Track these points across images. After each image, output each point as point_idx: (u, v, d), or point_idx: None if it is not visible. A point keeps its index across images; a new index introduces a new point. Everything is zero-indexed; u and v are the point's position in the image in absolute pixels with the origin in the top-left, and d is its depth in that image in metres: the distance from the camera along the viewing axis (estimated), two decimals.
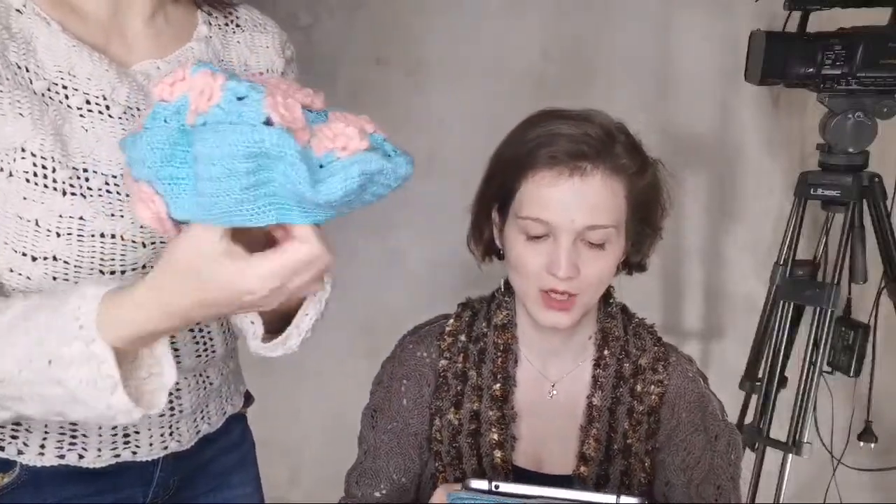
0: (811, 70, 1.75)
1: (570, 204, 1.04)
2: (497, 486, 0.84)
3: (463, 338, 1.17)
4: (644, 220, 1.12)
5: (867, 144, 1.82)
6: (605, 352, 1.15)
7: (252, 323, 0.86)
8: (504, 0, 2.20)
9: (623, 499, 0.84)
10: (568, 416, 1.16)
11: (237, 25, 1.02)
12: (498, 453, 1.13)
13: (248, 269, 0.70)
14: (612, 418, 1.13)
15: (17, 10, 0.84)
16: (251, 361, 1.15)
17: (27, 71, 0.83)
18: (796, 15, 1.79)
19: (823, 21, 1.80)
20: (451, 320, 1.19)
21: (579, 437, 1.14)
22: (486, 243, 1.17)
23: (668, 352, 1.19)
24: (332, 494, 1.26)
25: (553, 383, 1.17)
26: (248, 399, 1.18)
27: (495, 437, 1.13)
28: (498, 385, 1.14)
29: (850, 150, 1.82)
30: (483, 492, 0.85)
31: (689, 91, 2.24)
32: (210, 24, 0.99)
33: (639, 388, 1.14)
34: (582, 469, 1.13)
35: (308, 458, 2.38)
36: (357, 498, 1.18)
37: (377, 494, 1.17)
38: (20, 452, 0.91)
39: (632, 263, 1.17)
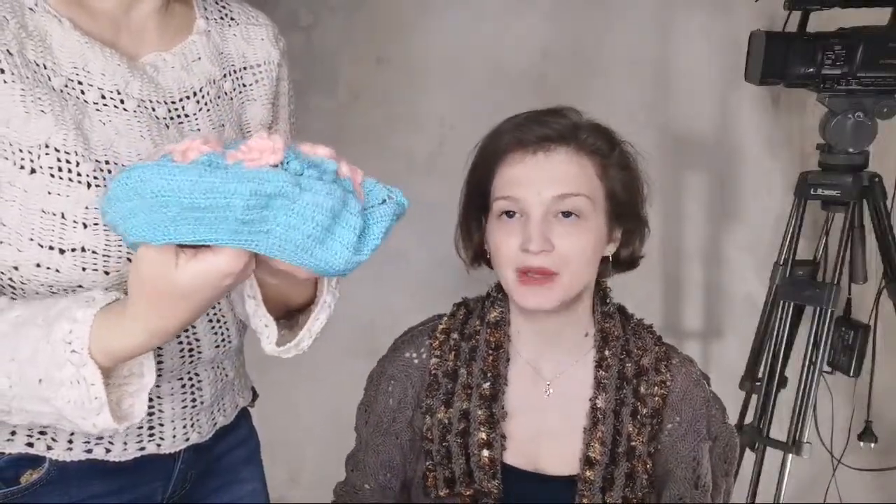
0: (811, 70, 1.76)
1: (536, 178, 1.08)
2: None
3: (455, 335, 1.17)
4: (625, 206, 1.13)
5: (867, 144, 1.82)
6: (607, 352, 1.15)
7: (266, 326, 0.87)
8: (504, 0, 2.20)
9: None
10: (565, 415, 1.15)
11: (231, 19, 1.04)
12: (486, 452, 1.12)
13: (211, 258, 0.70)
14: (616, 420, 1.13)
15: (30, 9, 0.86)
16: (251, 361, 1.15)
17: (45, 68, 0.85)
18: (796, 15, 1.79)
19: (823, 21, 1.80)
20: (445, 318, 1.20)
21: (583, 440, 1.13)
22: (475, 247, 1.18)
23: (670, 352, 1.19)
24: (332, 494, 1.27)
25: (548, 381, 1.17)
26: (254, 395, 1.19)
27: (483, 436, 1.12)
28: (487, 384, 1.14)
29: (850, 150, 1.82)
30: None
31: (689, 91, 2.24)
32: (207, 18, 1.01)
33: (642, 389, 1.14)
34: (587, 473, 1.12)
35: (308, 457, 2.38)
36: (351, 482, 1.23)
37: (367, 486, 1.21)
38: (49, 448, 0.92)
39: (622, 259, 1.17)
